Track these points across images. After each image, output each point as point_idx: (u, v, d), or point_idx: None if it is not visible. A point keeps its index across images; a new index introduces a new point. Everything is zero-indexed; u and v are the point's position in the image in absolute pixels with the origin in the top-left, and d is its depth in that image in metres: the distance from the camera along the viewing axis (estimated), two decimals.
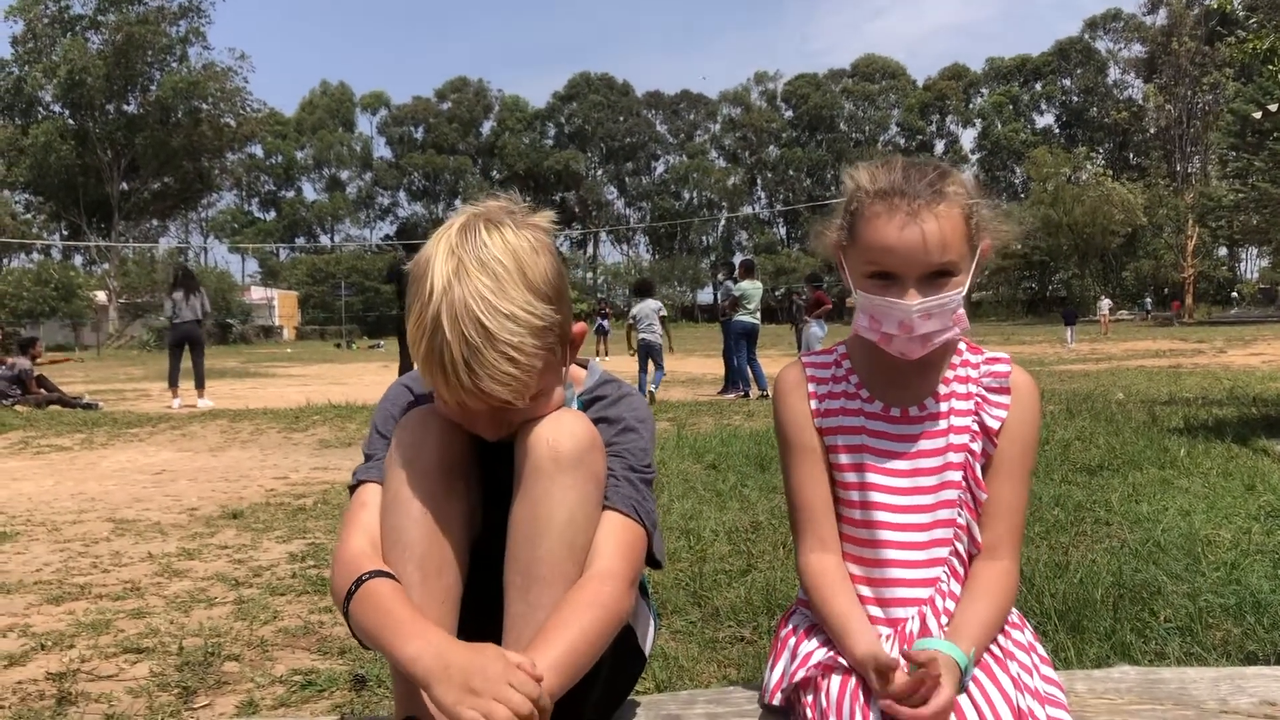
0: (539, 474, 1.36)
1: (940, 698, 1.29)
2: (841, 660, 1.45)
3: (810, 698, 1.45)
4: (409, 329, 1.38)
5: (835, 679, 1.43)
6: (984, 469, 1.57)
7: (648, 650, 1.63)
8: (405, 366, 11.16)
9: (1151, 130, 73.16)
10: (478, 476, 1.50)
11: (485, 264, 1.34)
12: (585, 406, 1.57)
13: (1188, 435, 7.24)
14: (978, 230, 1.52)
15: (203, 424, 10.35)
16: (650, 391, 13.34)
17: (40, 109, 62.09)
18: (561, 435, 1.38)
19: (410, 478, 1.41)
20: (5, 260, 70.26)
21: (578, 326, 1.50)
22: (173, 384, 14.06)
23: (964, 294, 1.51)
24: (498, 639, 1.37)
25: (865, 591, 1.56)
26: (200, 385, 13.95)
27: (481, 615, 1.44)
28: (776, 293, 76.10)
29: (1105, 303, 44.25)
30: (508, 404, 1.36)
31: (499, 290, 1.33)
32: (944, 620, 1.49)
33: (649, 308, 13.93)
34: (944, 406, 1.59)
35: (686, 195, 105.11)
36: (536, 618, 1.33)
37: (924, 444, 1.58)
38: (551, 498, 1.35)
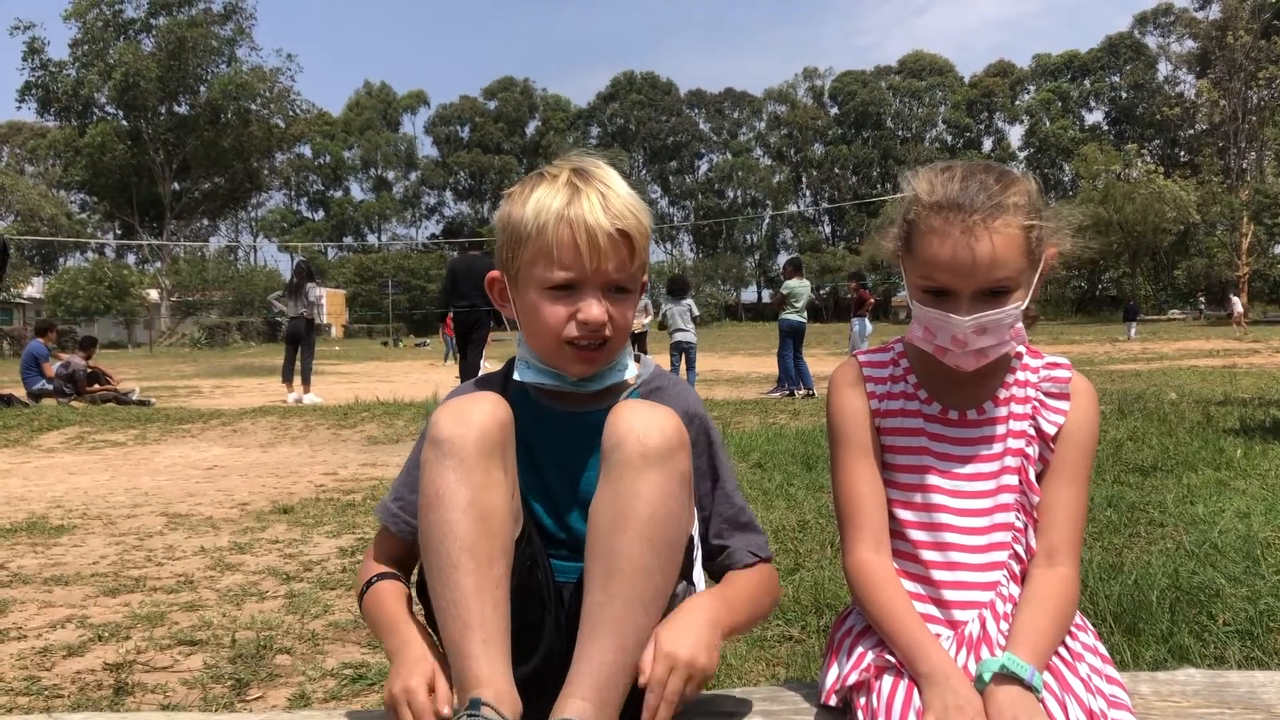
0: (626, 467, 1.36)
1: None
2: (890, 658, 1.44)
3: (863, 699, 1.44)
4: (509, 260, 1.55)
5: (887, 680, 1.42)
6: (1040, 474, 1.55)
7: None
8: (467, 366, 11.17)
9: (1204, 126, 71.68)
10: (513, 459, 1.48)
11: (598, 172, 1.56)
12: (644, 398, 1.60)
13: (1244, 436, 7.09)
14: (1040, 243, 1.48)
15: (253, 420, 10.47)
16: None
17: (95, 110, 63.29)
18: (651, 431, 1.38)
19: (452, 470, 1.39)
20: (61, 259, 71.74)
21: None
22: (285, 378, 14.41)
23: (1022, 308, 1.49)
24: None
25: (924, 593, 1.54)
26: (304, 381, 14.17)
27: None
28: (822, 291, 75.63)
29: (1237, 299, 42.17)
30: (628, 247, 1.52)
31: (619, 183, 1.55)
32: (1003, 625, 1.46)
33: (681, 308, 13.92)
34: (1002, 411, 1.57)
35: (730, 194, 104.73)
36: (613, 606, 1.33)
37: (982, 448, 1.56)
38: (636, 492, 1.35)
